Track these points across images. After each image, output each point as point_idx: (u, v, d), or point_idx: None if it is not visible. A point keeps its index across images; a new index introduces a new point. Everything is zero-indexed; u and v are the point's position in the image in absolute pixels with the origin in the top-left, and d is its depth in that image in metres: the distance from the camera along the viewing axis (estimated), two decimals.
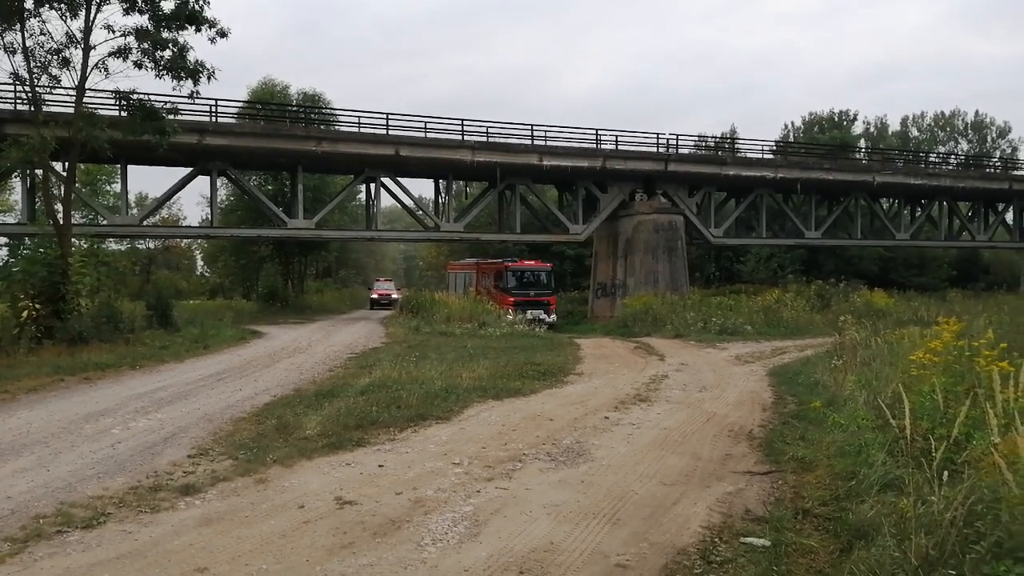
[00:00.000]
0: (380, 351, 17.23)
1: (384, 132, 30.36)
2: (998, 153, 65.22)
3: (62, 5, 16.48)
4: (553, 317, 31.85)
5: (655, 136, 35.33)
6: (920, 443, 5.18)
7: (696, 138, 48.72)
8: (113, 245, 38.15)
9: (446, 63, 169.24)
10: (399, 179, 33.01)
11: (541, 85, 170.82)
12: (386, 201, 51.81)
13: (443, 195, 35.24)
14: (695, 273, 41.99)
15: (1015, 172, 46.78)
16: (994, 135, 68.23)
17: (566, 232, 34.39)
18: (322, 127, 32.45)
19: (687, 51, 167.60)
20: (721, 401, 10.46)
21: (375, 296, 47.67)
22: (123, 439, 7.91)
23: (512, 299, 30.81)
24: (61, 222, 17.65)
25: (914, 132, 69.89)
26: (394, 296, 45.42)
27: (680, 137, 36.49)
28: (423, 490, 5.98)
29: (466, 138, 31.49)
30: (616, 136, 34.32)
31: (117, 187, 36.06)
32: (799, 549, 4.57)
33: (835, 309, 25.08)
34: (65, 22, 16.82)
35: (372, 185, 33.29)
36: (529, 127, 32.85)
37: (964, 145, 68.51)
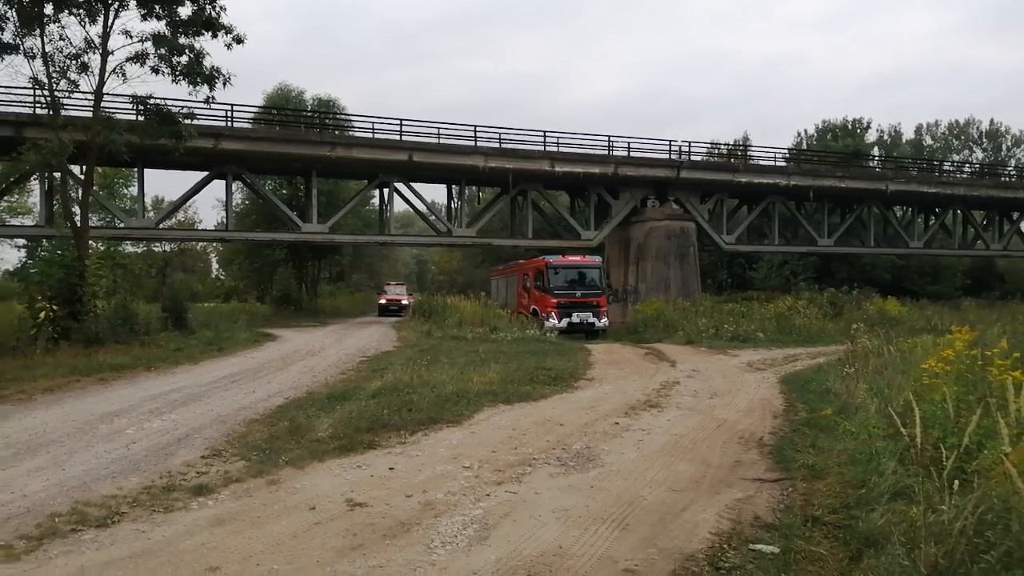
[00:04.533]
0: (392, 355, 17.29)
1: (398, 138, 30.57)
2: (1013, 162, 64.77)
3: (81, 11, 16.73)
4: (605, 321, 27.73)
5: (667, 143, 35.41)
6: (931, 452, 5.17)
7: (708, 145, 48.77)
8: (129, 248, 38.54)
9: (457, 68, 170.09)
10: (412, 184, 33.20)
11: (553, 90, 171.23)
12: (399, 206, 51.91)
13: (456, 200, 35.40)
14: (707, 280, 41.94)
15: None
16: (1009, 143, 67.82)
17: (578, 238, 34.42)
18: (336, 132, 32.68)
19: (698, 57, 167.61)
20: (732, 408, 10.43)
21: (383, 301, 44.04)
22: (137, 439, 7.99)
23: (555, 300, 26.91)
24: (78, 224, 17.87)
25: (928, 140, 69.60)
26: (404, 301, 42.34)
27: (692, 144, 36.48)
28: (433, 493, 6.01)
29: (479, 144, 31.66)
30: (628, 142, 34.42)
31: (134, 190, 36.38)
32: (808, 556, 4.55)
33: (848, 317, 24.92)
34: (84, 28, 17.13)
35: (385, 190, 33.54)
36: (541, 133, 32.98)
37: (979, 153, 68.16)
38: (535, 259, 29.78)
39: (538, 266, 28.42)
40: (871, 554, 4.24)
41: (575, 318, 26.58)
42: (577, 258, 29.47)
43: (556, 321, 26.14)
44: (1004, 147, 67.77)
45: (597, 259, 29.80)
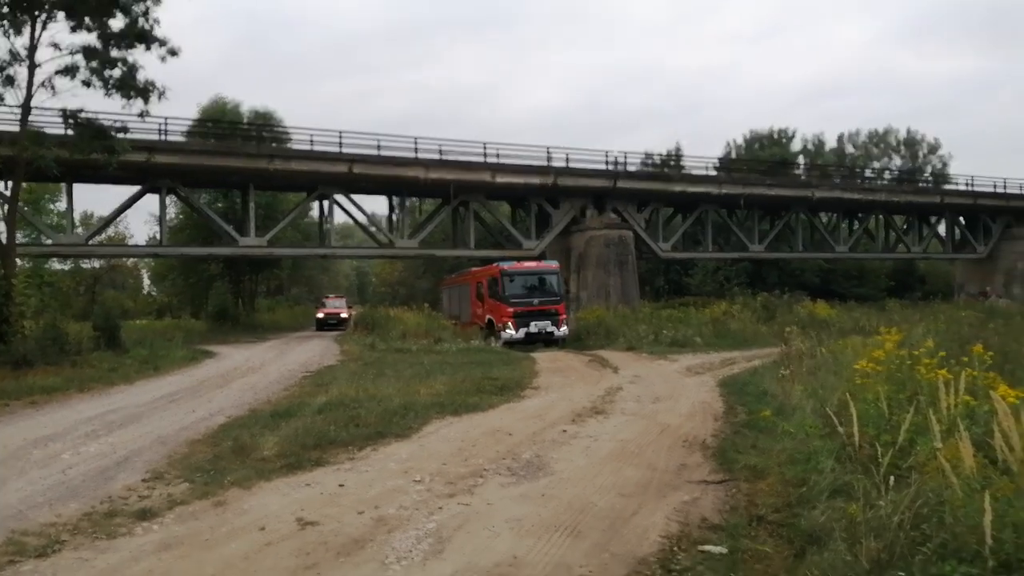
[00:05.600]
0: (336, 369, 17.10)
1: (337, 150, 30.33)
2: (929, 168, 67.78)
3: (4, 23, 16.12)
4: (565, 330, 25.94)
5: (604, 154, 36.05)
6: (867, 449, 5.39)
7: (644, 155, 49.79)
8: (56, 265, 37.18)
9: (399, 79, 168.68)
10: (352, 196, 32.95)
11: (494, 102, 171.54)
12: (340, 217, 51.20)
13: (397, 212, 35.26)
14: (645, 287, 42.68)
15: (946, 187, 48.75)
16: (925, 151, 70.96)
17: (520, 247, 34.64)
18: (274, 145, 32.24)
19: (635, 68, 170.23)
20: (674, 412, 10.64)
21: (321, 315, 41.18)
22: (74, 464, 7.73)
23: (511, 309, 25.14)
24: (4, 243, 17.18)
25: (850, 148, 72.21)
26: (344, 315, 39.78)
27: (628, 154, 37.51)
28: (385, 508, 5.97)
29: (419, 155, 31.64)
30: (567, 154, 34.86)
31: (62, 205, 35.19)
32: (755, 555, 4.69)
33: (780, 320, 25.64)
34: (8, 39, 16.52)
35: (325, 202, 33.19)
36: (482, 144, 33.18)
37: (897, 160, 71.10)
38: (489, 266, 28.18)
39: (492, 273, 26.67)
40: (814, 551, 4.39)
41: (533, 328, 24.96)
42: (533, 263, 28.17)
43: (513, 332, 24.73)
44: (921, 154, 70.86)
45: (554, 264, 28.12)
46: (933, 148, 70.72)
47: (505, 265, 26.59)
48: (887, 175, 54.08)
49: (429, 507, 6.02)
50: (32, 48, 16.39)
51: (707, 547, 4.95)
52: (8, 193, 19.09)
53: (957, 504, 3.94)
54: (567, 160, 34.78)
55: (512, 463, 7.51)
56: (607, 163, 35.80)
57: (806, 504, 5.29)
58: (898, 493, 4.30)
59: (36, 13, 16.14)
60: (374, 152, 30.95)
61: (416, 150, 31.69)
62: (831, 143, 71.34)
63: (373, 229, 36.20)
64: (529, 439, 8.72)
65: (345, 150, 30.39)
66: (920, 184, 51.04)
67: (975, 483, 4.05)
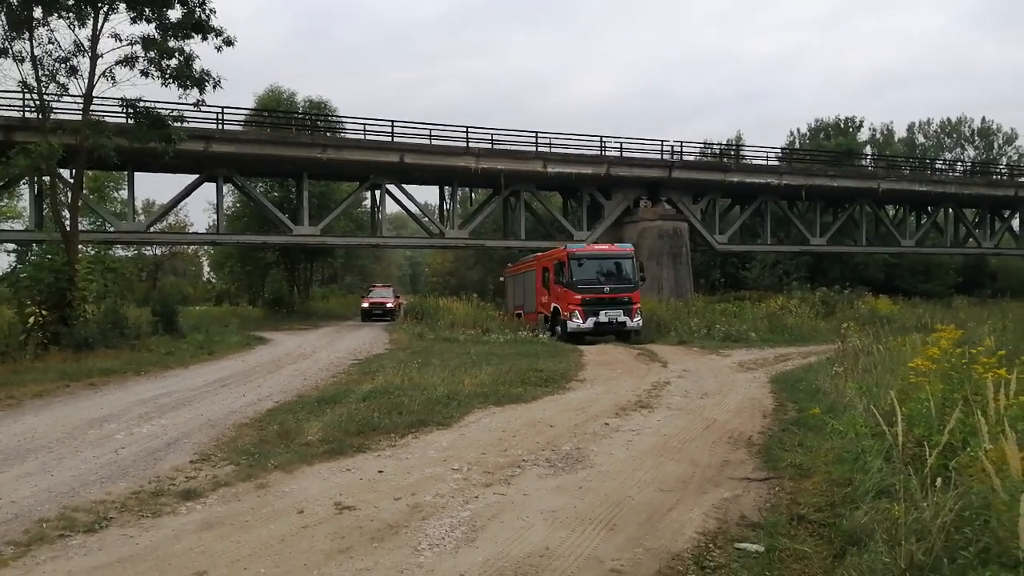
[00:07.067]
0: (383, 357, 17.28)
1: (389, 139, 30.64)
2: (1004, 160, 65.12)
3: (70, 14, 16.68)
4: (638, 320, 23.70)
5: (659, 143, 35.61)
6: (913, 450, 5.20)
7: (701, 145, 49.05)
8: (120, 251, 38.46)
9: (454, 68, 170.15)
10: (404, 186, 33.24)
11: (550, 90, 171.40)
12: (391, 207, 51.80)
13: (448, 202, 35.43)
14: (700, 280, 42.06)
15: (1022, 179, 46.72)
16: (1000, 142, 68.27)
17: (570, 238, 34.43)
18: (328, 134, 32.70)
19: (697, 56, 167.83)
20: (722, 408, 10.45)
21: (366, 305, 38.57)
22: (126, 444, 7.98)
23: (579, 296, 23.06)
24: (68, 229, 17.80)
25: (920, 139, 69.99)
26: (390, 305, 37.61)
27: (685, 144, 36.73)
28: (421, 496, 6.01)
29: (471, 145, 31.73)
30: (621, 143, 34.55)
31: (124, 193, 36.28)
32: (793, 555, 4.58)
33: (839, 316, 24.96)
34: (73, 31, 17.09)
35: (377, 192, 33.58)
36: (534, 134, 33.07)
37: (971, 152, 68.53)
38: (555, 250, 25.98)
39: (559, 256, 24.34)
40: (854, 552, 4.27)
41: (603, 317, 22.96)
42: (605, 246, 26.15)
43: (580, 321, 22.83)
44: (996, 145, 68.22)
45: (629, 247, 25.47)
46: (1009, 139, 68.13)
47: (574, 247, 24.74)
48: (959, 167, 52.01)
49: (465, 496, 6.03)
50: (95, 39, 16.89)
51: (744, 545, 4.85)
52: (72, 181, 19.75)
53: (1001, 508, 3.76)
54: (621, 150, 34.49)
55: (551, 455, 7.47)
56: (662, 153, 35.36)
57: (850, 504, 5.16)
58: (943, 495, 4.13)
59: (99, 5, 16.65)
60: (426, 142, 31.19)
61: (467, 140, 31.83)
62: (901, 133, 69.43)
63: (424, 219, 36.44)
64: (570, 431, 8.67)
65: (397, 139, 30.71)
66: (994, 176, 48.95)
67: (1022, 486, 3.86)
